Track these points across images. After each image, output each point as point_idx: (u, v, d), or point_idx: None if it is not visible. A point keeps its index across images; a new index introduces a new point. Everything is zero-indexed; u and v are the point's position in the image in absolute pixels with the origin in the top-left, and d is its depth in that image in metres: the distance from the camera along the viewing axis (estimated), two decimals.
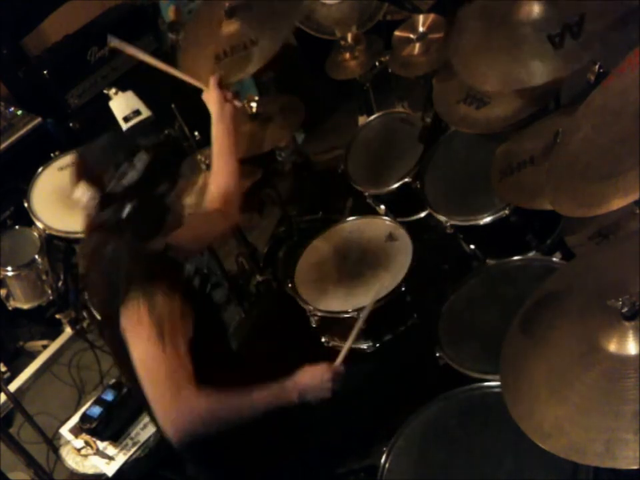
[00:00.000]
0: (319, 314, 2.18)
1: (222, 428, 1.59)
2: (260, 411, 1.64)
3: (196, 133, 2.83)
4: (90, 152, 1.71)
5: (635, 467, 1.15)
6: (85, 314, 2.80)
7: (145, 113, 2.65)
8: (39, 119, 3.19)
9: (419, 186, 2.39)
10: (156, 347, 1.54)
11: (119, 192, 1.62)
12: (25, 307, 2.87)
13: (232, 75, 2.20)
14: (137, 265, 1.61)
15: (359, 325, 1.89)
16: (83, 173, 1.66)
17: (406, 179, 2.43)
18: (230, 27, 2.25)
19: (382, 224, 2.37)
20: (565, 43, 1.68)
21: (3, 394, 2.56)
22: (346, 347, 1.85)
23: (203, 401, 1.57)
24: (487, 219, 2.16)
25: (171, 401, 1.55)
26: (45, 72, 3.18)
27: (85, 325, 2.89)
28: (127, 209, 1.62)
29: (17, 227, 2.94)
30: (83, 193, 1.64)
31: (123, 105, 2.64)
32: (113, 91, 2.65)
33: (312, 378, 1.74)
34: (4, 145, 3.10)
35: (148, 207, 1.66)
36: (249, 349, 2.11)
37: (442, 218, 2.25)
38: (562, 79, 2.06)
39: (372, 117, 2.76)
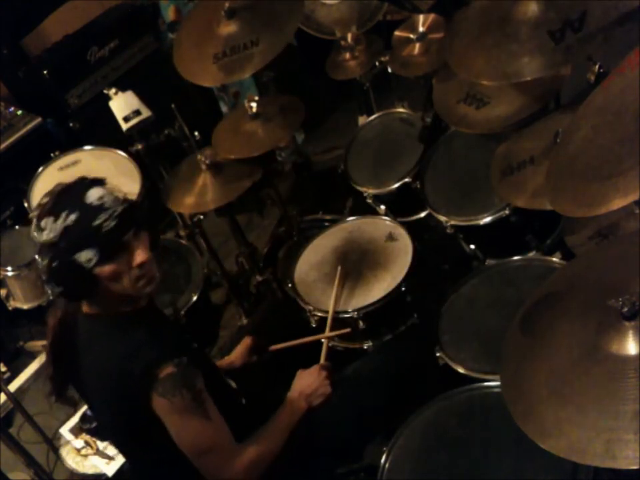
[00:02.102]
0: (319, 314, 2.18)
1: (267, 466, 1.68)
2: (286, 435, 1.72)
3: (196, 133, 2.83)
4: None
5: (635, 467, 1.15)
6: None
7: (145, 113, 2.65)
8: (39, 119, 3.19)
9: (418, 186, 2.39)
10: (198, 419, 1.57)
11: (39, 245, 1.55)
12: (25, 307, 2.87)
13: (231, 75, 2.20)
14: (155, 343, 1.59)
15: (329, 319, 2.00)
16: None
17: (406, 179, 2.43)
18: (229, 28, 2.25)
19: (382, 224, 2.37)
20: (566, 36, 1.69)
21: (2, 394, 2.56)
22: (325, 343, 1.97)
23: (250, 455, 1.64)
24: (487, 219, 2.16)
25: (232, 467, 1.61)
26: (45, 72, 3.18)
27: None
28: (41, 266, 1.56)
29: (16, 226, 2.94)
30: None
31: (122, 105, 2.64)
32: (113, 91, 2.65)
33: (309, 379, 1.82)
34: (4, 145, 3.10)
35: (59, 272, 1.55)
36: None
37: (442, 218, 2.25)
38: (562, 78, 2.07)
39: (372, 117, 2.77)
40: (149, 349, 1.56)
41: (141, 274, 1.57)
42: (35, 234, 1.55)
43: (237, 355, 2.04)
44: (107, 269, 1.53)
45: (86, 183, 1.56)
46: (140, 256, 1.55)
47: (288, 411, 1.76)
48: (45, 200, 1.56)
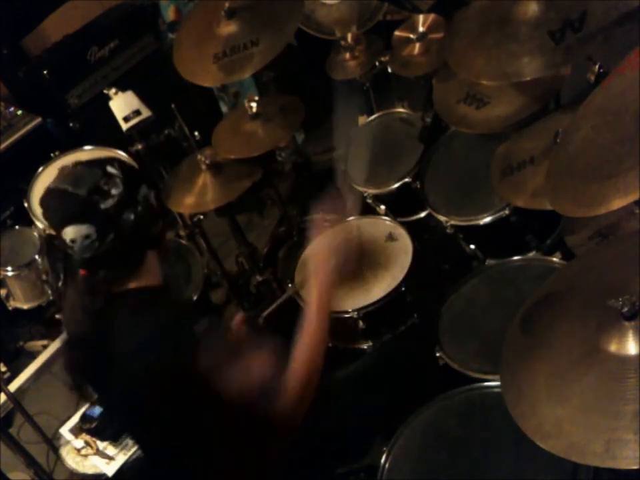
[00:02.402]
0: None
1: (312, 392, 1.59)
2: (322, 344, 1.60)
3: (196, 133, 2.83)
4: (62, 188, 1.57)
5: (635, 467, 1.15)
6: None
7: (145, 112, 2.65)
8: (39, 119, 3.19)
9: (418, 186, 2.39)
10: (240, 370, 1.55)
11: (115, 206, 1.54)
12: (25, 306, 2.87)
13: (232, 75, 2.20)
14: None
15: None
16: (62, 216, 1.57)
17: (406, 179, 2.43)
18: (229, 28, 2.25)
19: (382, 224, 2.37)
20: (566, 36, 1.69)
21: (2, 394, 2.56)
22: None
23: (292, 387, 1.56)
24: (487, 219, 2.16)
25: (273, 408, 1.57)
26: (45, 72, 3.18)
27: None
28: (130, 220, 1.55)
29: (16, 226, 2.94)
30: (73, 234, 1.54)
31: (122, 105, 2.64)
32: (113, 91, 2.65)
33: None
34: (4, 145, 3.10)
35: (145, 211, 1.58)
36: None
37: (442, 218, 2.25)
38: (562, 78, 2.07)
39: (372, 117, 2.77)
40: (178, 317, 1.59)
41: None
42: (107, 203, 1.53)
43: (233, 336, 2.03)
44: (156, 202, 1.63)
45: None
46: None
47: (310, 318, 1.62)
48: (89, 171, 1.56)
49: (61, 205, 1.56)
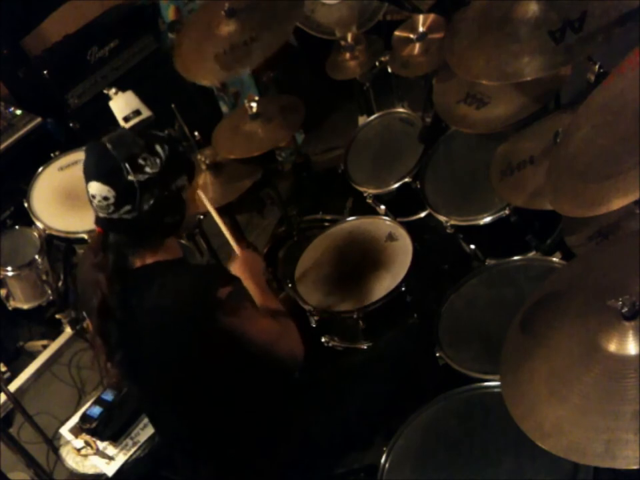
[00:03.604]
0: (319, 314, 2.18)
1: None
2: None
3: (196, 133, 2.83)
4: (101, 148, 1.63)
5: (635, 467, 1.15)
6: (84, 314, 2.80)
7: (145, 112, 2.64)
8: (39, 119, 3.18)
9: (418, 186, 2.39)
10: (265, 319, 1.76)
11: (140, 184, 1.58)
12: (25, 307, 2.87)
13: (232, 71, 2.20)
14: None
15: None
16: (94, 170, 1.62)
17: (406, 179, 2.43)
18: (229, 27, 2.25)
19: (382, 224, 2.37)
20: (566, 36, 1.69)
21: (2, 394, 2.56)
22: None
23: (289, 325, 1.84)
24: (487, 219, 2.16)
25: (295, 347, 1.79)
26: (45, 72, 3.18)
27: (85, 325, 2.89)
28: (149, 202, 1.60)
29: (16, 226, 2.93)
30: (98, 191, 1.59)
31: (122, 104, 2.64)
32: (113, 91, 2.65)
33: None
34: (4, 145, 3.10)
35: (169, 201, 1.64)
36: None
37: (442, 218, 2.25)
38: (562, 78, 2.07)
39: (372, 117, 2.76)
40: (203, 278, 1.68)
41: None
42: (136, 176, 1.57)
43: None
44: (190, 192, 1.72)
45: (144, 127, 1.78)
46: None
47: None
48: (129, 141, 1.61)
49: (94, 159, 1.63)
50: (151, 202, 1.60)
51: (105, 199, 1.59)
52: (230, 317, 1.64)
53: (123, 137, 1.63)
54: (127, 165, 1.57)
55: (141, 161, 1.58)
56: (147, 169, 1.58)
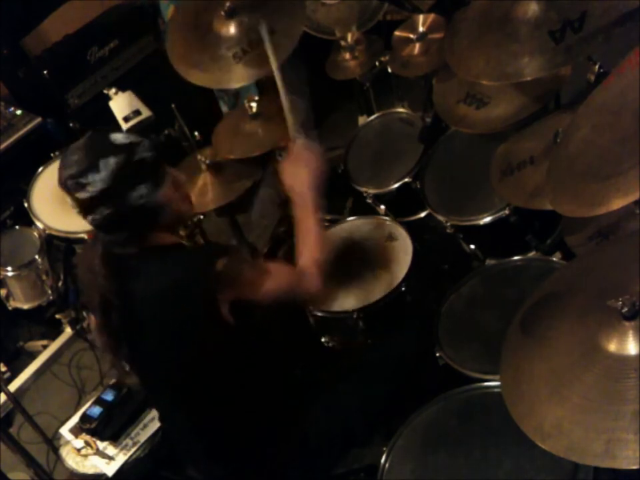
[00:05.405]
0: (319, 314, 2.18)
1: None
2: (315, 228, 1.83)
3: (196, 133, 2.83)
4: (60, 165, 1.65)
5: (635, 467, 1.15)
6: (85, 314, 2.80)
7: (145, 112, 2.65)
8: (39, 119, 3.19)
9: (418, 186, 2.39)
10: (267, 280, 1.71)
11: (89, 200, 1.58)
12: (25, 306, 2.87)
13: (267, 65, 2.16)
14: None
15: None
16: (59, 179, 1.63)
17: (406, 179, 2.43)
18: (234, 25, 2.24)
19: (382, 224, 2.37)
20: (566, 36, 1.69)
21: (2, 394, 2.56)
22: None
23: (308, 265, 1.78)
24: (487, 219, 2.16)
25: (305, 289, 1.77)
26: (45, 72, 3.18)
27: (85, 325, 2.89)
28: (98, 218, 1.60)
29: (16, 226, 2.94)
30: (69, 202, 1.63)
31: (122, 104, 2.64)
32: (113, 91, 2.65)
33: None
34: (4, 145, 3.10)
35: (122, 215, 1.61)
36: None
37: (442, 218, 2.25)
38: (562, 78, 2.07)
39: (372, 117, 2.77)
40: (198, 256, 1.70)
41: (184, 193, 1.72)
42: (81, 195, 1.57)
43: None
44: (159, 198, 1.62)
45: (102, 132, 1.66)
46: (180, 176, 1.71)
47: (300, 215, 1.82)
48: (74, 159, 1.60)
49: (59, 172, 1.64)
50: (107, 213, 1.59)
51: (72, 206, 1.63)
52: (229, 288, 1.63)
53: (70, 156, 1.63)
54: (69, 183, 1.59)
55: (82, 180, 1.57)
56: (89, 188, 1.57)
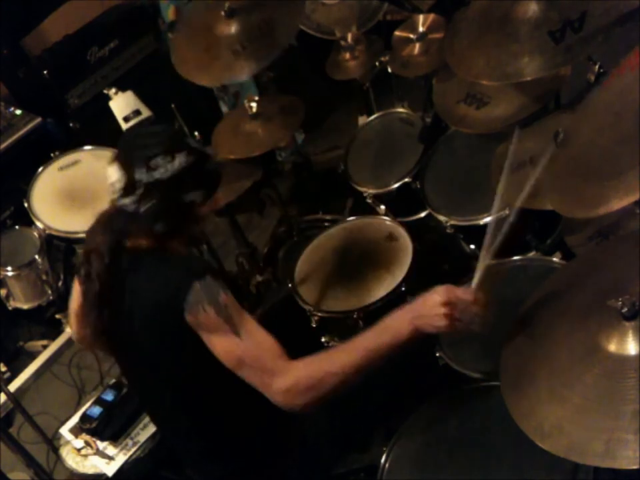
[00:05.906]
0: (319, 314, 2.18)
1: (339, 387, 1.54)
2: (375, 357, 1.54)
3: (196, 133, 2.83)
4: (132, 135, 1.68)
5: (635, 467, 1.15)
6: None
7: (145, 112, 2.65)
8: (39, 119, 3.19)
9: (418, 186, 2.39)
10: (225, 334, 1.55)
11: (145, 183, 1.59)
12: (25, 306, 2.87)
13: (265, 57, 2.20)
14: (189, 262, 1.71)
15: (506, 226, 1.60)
16: (118, 154, 1.65)
17: (406, 179, 2.43)
18: (234, 23, 2.25)
19: (382, 224, 2.37)
20: (566, 36, 1.69)
21: (2, 394, 2.56)
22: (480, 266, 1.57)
23: (300, 372, 1.53)
24: (487, 219, 2.15)
25: (270, 386, 1.53)
26: (45, 72, 3.18)
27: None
28: (147, 204, 1.61)
29: (16, 227, 2.93)
30: (112, 173, 1.63)
31: (122, 104, 2.64)
32: (113, 91, 2.65)
33: (423, 302, 1.52)
34: (4, 145, 3.10)
35: (168, 210, 1.63)
36: None
37: (442, 218, 2.25)
38: (562, 78, 2.07)
39: (372, 117, 2.77)
40: (177, 274, 1.62)
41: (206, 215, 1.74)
42: (140, 174, 1.58)
43: None
44: (205, 208, 1.68)
45: (177, 130, 1.75)
46: (221, 198, 1.79)
47: (380, 330, 1.54)
48: (152, 141, 1.62)
49: (121, 145, 1.69)
50: (148, 205, 1.60)
51: (114, 184, 1.63)
52: (191, 317, 1.56)
53: (149, 136, 1.66)
54: (140, 162, 1.59)
55: (153, 163, 1.58)
56: (156, 174, 1.58)
